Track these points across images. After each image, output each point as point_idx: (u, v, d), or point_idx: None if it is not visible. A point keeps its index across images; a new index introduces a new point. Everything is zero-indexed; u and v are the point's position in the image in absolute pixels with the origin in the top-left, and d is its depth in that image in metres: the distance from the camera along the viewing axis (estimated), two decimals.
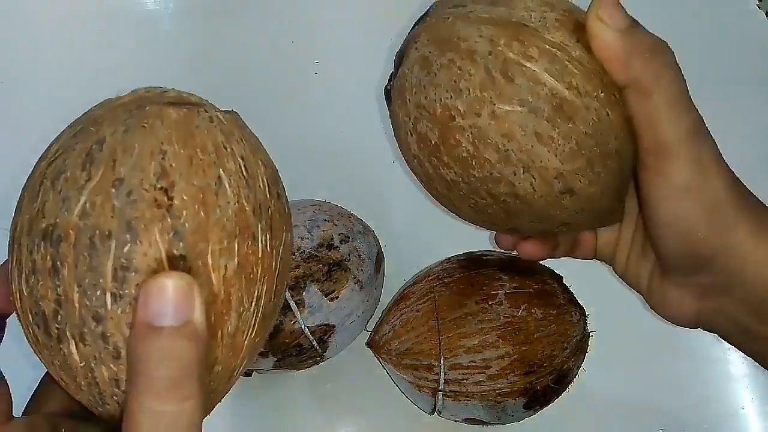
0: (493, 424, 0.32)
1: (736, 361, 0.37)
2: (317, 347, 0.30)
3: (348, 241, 0.31)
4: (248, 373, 0.31)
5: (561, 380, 0.32)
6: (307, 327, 0.29)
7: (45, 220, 0.15)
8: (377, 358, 0.34)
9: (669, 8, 0.46)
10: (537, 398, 0.32)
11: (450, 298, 0.33)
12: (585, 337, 0.33)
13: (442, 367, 0.31)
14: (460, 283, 0.33)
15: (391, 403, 0.34)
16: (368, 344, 0.34)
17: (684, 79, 0.22)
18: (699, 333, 0.38)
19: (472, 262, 0.35)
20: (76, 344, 0.15)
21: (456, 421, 0.33)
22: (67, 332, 0.15)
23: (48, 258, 0.15)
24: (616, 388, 0.36)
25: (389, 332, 0.33)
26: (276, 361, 0.29)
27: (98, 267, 0.14)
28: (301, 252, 0.29)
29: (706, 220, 0.22)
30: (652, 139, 0.21)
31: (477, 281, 0.33)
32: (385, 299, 0.35)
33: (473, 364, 0.31)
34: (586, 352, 0.34)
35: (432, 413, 0.32)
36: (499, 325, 0.32)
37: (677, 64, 0.22)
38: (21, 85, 0.41)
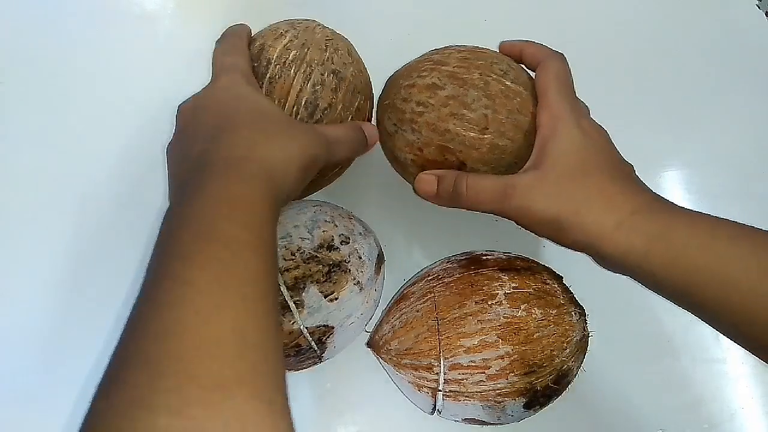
0: (493, 424, 0.32)
1: (735, 361, 0.37)
2: (316, 348, 0.29)
3: (348, 243, 0.31)
4: None
5: (561, 380, 0.32)
6: (306, 328, 0.29)
7: None
8: (377, 358, 0.34)
9: (669, 8, 0.46)
10: (537, 398, 0.32)
11: (450, 298, 0.33)
12: (585, 337, 0.33)
13: (442, 367, 0.31)
14: (459, 283, 0.33)
15: (391, 403, 0.34)
16: (368, 344, 0.34)
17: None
18: (699, 333, 0.38)
19: (471, 262, 0.35)
20: None
21: (456, 421, 0.32)
22: None
23: None
24: (616, 388, 0.36)
25: (389, 332, 0.33)
26: None
27: None
28: (302, 252, 0.29)
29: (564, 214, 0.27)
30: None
31: (477, 281, 0.33)
32: (385, 299, 0.35)
33: (473, 364, 0.31)
34: (586, 352, 0.34)
35: (432, 413, 0.32)
36: (499, 325, 0.32)
37: None
38: (20, 84, 0.41)
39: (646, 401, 0.36)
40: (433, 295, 0.33)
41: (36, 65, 0.42)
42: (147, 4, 0.44)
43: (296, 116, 0.32)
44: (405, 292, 0.35)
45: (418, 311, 0.33)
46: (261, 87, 0.32)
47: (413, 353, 0.32)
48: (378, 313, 0.35)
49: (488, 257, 0.35)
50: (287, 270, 0.28)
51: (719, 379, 0.37)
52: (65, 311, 0.36)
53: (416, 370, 0.32)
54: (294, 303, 0.28)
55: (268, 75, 0.32)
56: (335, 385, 0.35)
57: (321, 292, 0.29)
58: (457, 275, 0.34)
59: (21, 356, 0.35)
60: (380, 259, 0.33)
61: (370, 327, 0.34)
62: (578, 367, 0.33)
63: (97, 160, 0.39)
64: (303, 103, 0.31)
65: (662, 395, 0.36)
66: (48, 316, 0.36)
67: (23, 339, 0.36)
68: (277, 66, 0.32)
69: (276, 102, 0.32)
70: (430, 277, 0.34)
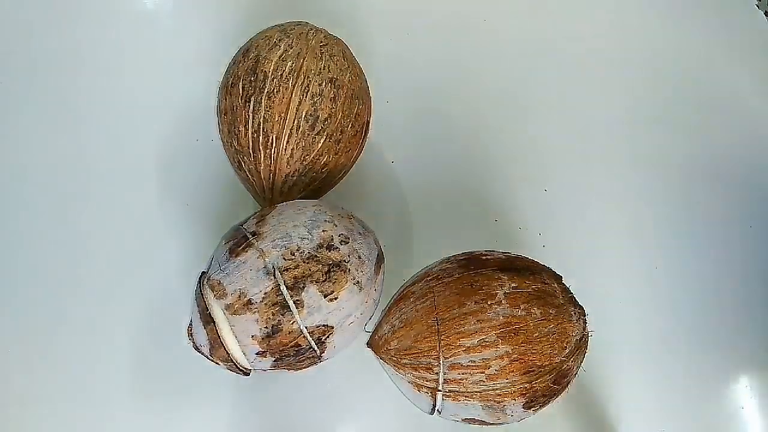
0: (492, 424, 0.32)
1: (735, 360, 0.37)
2: (315, 348, 0.29)
3: (348, 242, 0.31)
4: (246, 373, 0.31)
5: (560, 380, 0.32)
6: (306, 327, 0.29)
7: None
8: (377, 357, 0.34)
9: (668, 8, 0.46)
10: (536, 398, 0.32)
11: (449, 297, 0.33)
12: (584, 336, 0.33)
13: (442, 367, 0.31)
14: (459, 283, 0.33)
15: (391, 403, 0.34)
16: (368, 344, 0.34)
17: None
18: (698, 333, 0.38)
19: (471, 262, 0.35)
20: None
21: (455, 421, 0.32)
22: None
23: None
24: (615, 388, 0.36)
25: (389, 332, 0.33)
26: (274, 361, 0.29)
27: None
28: (301, 252, 0.29)
29: None
30: None
31: (476, 281, 0.33)
32: (385, 299, 0.35)
33: (472, 363, 0.31)
34: (586, 351, 0.33)
35: (431, 413, 0.32)
36: (499, 325, 0.31)
37: None
38: (19, 83, 0.41)
39: (645, 401, 0.36)
40: (432, 294, 0.33)
41: (32, 65, 0.42)
42: (146, 3, 0.44)
43: (297, 129, 0.32)
44: (405, 291, 0.35)
45: (417, 311, 0.33)
46: (259, 102, 0.32)
47: (413, 353, 0.32)
48: (378, 314, 0.35)
49: (488, 257, 0.35)
50: (287, 269, 0.28)
51: (719, 379, 0.37)
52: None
53: (416, 369, 0.32)
54: (294, 302, 0.28)
55: (266, 90, 0.32)
56: (335, 386, 0.34)
57: (320, 291, 0.29)
58: (457, 275, 0.34)
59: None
60: (380, 259, 0.33)
61: (370, 327, 0.34)
62: (578, 367, 0.33)
63: (94, 159, 0.39)
64: (303, 115, 0.32)
65: (662, 395, 0.36)
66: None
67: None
68: (275, 80, 0.32)
69: (276, 117, 0.32)
70: (429, 277, 0.34)
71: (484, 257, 0.35)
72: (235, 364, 0.29)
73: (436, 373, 0.31)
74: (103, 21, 0.43)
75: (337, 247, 0.30)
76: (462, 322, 0.32)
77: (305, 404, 0.34)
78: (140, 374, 0.35)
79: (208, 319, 0.29)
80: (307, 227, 0.30)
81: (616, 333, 0.36)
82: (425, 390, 0.32)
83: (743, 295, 0.39)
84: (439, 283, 0.34)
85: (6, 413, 0.34)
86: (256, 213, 0.32)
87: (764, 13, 0.46)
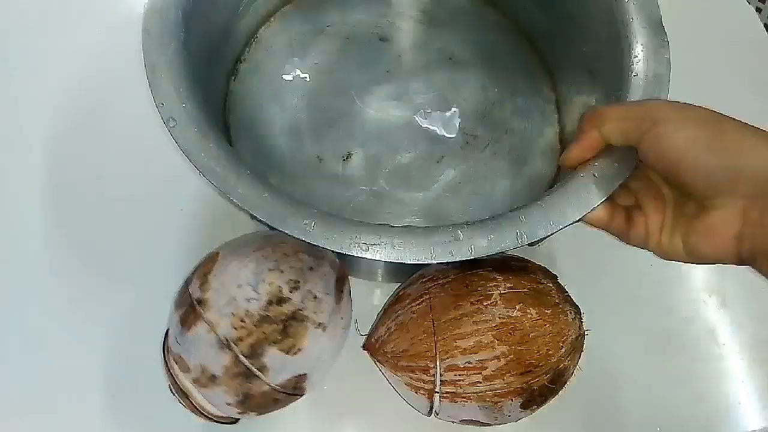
0: (490, 424, 0.33)
1: (733, 357, 0.36)
2: (294, 394, 0.30)
3: (299, 287, 0.29)
4: (234, 422, 0.32)
5: (557, 379, 0.31)
6: (278, 386, 0.29)
7: None
8: (374, 360, 0.34)
9: (669, 13, 0.36)
10: (534, 398, 0.31)
11: (445, 299, 0.32)
12: (581, 335, 0.32)
13: (438, 369, 0.31)
14: (455, 284, 0.32)
15: (389, 405, 0.35)
16: (364, 347, 0.34)
17: None
18: (695, 330, 0.36)
19: (466, 262, 0.32)
20: None
21: (453, 422, 0.33)
22: None
23: None
24: (612, 386, 0.35)
25: (385, 335, 0.33)
26: (257, 414, 0.30)
27: None
28: (251, 317, 0.28)
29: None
30: None
31: (472, 282, 0.32)
32: (381, 301, 0.35)
33: (469, 365, 0.31)
34: (582, 350, 0.32)
35: (429, 415, 0.33)
36: (495, 326, 0.31)
37: None
38: (16, 85, 0.42)
39: (643, 399, 0.35)
40: (428, 296, 0.32)
41: (30, 64, 0.42)
42: (136, 6, 0.40)
43: None
44: (400, 293, 0.34)
45: (413, 313, 0.32)
46: None
47: (409, 355, 0.32)
48: (373, 316, 0.34)
49: (483, 258, 0.32)
50: (240, 339, 0.28)
51: (717, 376, 0.36)
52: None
53: (413, 372, 0.32)
54: (257, 369, 0.28)
55: None
56: (332, 388, 0.35)
57: (281, 350, 0.28)
58: (452, 276, 0.33)
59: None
60: (341, 283, 0.31)
61: (366, 330, 0.34)
62: (575, 366, 0.32)
63: (83, 162, 0.40)
64: None
65: (659, 392, 0.35)
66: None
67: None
68: None
69: None
70: (424, 279, 0.33)
71: (479, 258, 0.33)
72: (221, 421, 0.31)
73: (433, 375, 0.31)
74: (95, 22, 0.43)
75: (288, 298, 0.29)
76: (458, 324, 0.31)
77: (302, 407, 0.35)
78: (134, 380, 0.36)
79: (181, 393, 0.30)
80: (251, 285, 0.29)
81: (612, 331, 0.35)
82: (422, 392, 0.32)
83: None
84: (435, 285, 0.33)
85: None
86: (199, 267, 0.31)
87: (755, 9, 0.43)
